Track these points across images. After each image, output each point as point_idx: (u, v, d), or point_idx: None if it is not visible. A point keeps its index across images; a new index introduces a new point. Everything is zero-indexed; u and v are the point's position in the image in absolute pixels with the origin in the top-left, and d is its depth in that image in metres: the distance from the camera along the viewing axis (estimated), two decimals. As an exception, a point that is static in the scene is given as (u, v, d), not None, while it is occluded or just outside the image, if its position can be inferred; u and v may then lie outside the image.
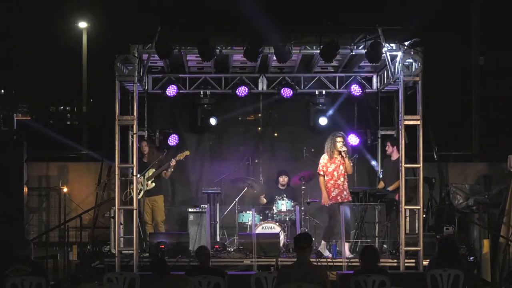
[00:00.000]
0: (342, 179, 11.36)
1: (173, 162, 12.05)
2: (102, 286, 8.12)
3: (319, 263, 10.15)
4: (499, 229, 12.01)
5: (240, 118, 14.11)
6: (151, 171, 12.03)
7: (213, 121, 13.13)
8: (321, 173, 11.40)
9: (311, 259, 8.67)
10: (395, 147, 11.85)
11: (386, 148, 12.18)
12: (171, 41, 10.72)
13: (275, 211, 12.02)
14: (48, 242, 12.52)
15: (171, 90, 12.87)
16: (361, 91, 13.01)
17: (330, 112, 13.19)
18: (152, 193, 12.08)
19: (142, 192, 11.92)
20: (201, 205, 12.30)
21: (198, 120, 13.24)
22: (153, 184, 12.07)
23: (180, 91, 13.04)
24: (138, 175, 11.18)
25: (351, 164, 11.46)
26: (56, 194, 13.68)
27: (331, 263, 10.74)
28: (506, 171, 12.44)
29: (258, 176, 13.16)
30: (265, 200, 12.58)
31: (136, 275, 8.78)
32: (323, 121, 13.10)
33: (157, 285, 7.41)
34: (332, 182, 11.34)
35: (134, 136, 11.14)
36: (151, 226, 12.03)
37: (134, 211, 10.83)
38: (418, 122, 10.77)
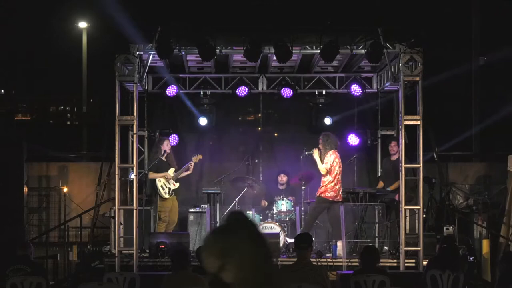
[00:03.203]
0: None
1: (191, 165, 12.16)
2: (102, 286, 8.12)
3: (319, 263, 10.15)
4: (499, 229, 12.00)
5: (240, 118, 14.09)
6: (172, 171, 12.08)
7: (203, 121, 13.08)
8: None
9: (311, 259, 8.66)
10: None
11: (393, 146, 12.14)
12: (171, 41, 10.72)
13: (275, 211, 12.03)
14: (48, 242, 12.52)
15: (171, 90, 12.87)
16: (361, 91, 13.01)
17: (338, 116, 13.22)
18: (175, 193, 12.18)
19: (170, 191, 12.03)
20: (201, 205, 12.31)
21: (195, 120, 13.24)
22: (178, 183, 12.14)
23: (180, 91, 13.04)
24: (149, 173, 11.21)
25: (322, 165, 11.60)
26: (56, 194, 13.67)
27: (331, 263, 10.75)
28: (506, 171, 12.43)
29: (258, 176, 13.16)
30: (266, 203, 12.55)
31: (136, 275, 8.78)
32: (327, 121, 13.11)
33: (172, 278, 7.35)
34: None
35: (134, 136, 11.15)
36: (165, 225, 12.04)
37: (134, 211, 10.83)
38: (418, 122, 10.77)
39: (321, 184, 11.63)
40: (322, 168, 11.51)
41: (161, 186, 11.99)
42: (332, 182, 11.49)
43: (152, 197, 12.15)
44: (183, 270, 7.35)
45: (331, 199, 11.54)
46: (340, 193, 11.60)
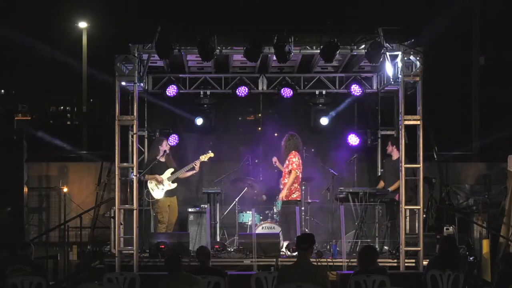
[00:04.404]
0: None
1: (197, 164, 12.09)
2: (102, 286, 8.12)
3: (319, 263, 10.15)
4: (499, 229, 12.00)
5: (240, 118, 14.08)
6: (169, 172, 12.06)
7: (199, 121, 13.10)
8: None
9: (311, 259, 8.66)
10: (394, 146, 11.88)
11: (387, 147, 12.21)
12: (171, 41, 10.72)
13: (275, 211, 12.04)
14: (48, 242, 12.52)
15: (171, 90, 12.86)
16: (361, 91, 13.01)
17: (333, 113, 13.22)
18: (172, 193, 12.13)
19: (163, 192, 11.96)
20: (201, 205, 12.30)
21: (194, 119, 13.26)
22: (175, 184, 12.10)
23: (180, 91, 13.04)
24: (139, 175, 11.21)
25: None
26: (56, 194, 13.68)
27: (331, 263, 10.75)
28: (506, 171, 12.43)
29: (258, 176, 13.15)
30: (265, 197, 12.60)
31: (136, 275, 8.77)
32: (324, 121, 13.11)
33: (167, 281, 7.39)
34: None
35: (134, 136, 11.15)
36: (165, 226, 12.02)
37: (134, 211, 10.83)
38: (418, 122, 10.78)
39: (283, 187, 11.67)
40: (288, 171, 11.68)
41: (152, 188, 11.96)
42: (296, 183, 11.59)
43: (145, 197, 12.08)
44: (177, 272, 7.41)
45: (299, 199, 11.72)
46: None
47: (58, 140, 18.19)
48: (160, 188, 11.99)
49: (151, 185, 11.96)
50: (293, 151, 11.69)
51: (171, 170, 12.12)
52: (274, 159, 12.07)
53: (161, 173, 12.04)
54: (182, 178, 12.33)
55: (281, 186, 11.75)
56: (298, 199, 11.72)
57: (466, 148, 16.86)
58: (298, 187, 11.69)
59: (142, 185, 11.87)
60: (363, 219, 11.39)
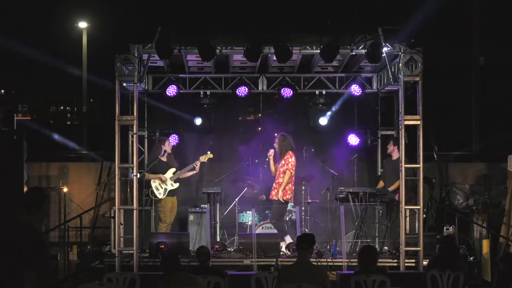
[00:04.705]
0: None
1: (197, 164, 12.10)
2: (102, 286, 8.12)
3: (319, 263, 10.15)
4: (499, 229, 12.00)
5: (240, 118, 14.08)
6: (171, 171, 12.06)
7: (198, 121, 13.12)
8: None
9: (311, 259, 8.66)
10: (396, 146, 11.88)
11: (388, 146, 12.20)
12: (171, 41, 10.73)
13: (275, 211, 12.04)
14: (48, 242, 12.51)
15: (171, 90, 12.87)
16: (361, 91, 13.01)
17: (330, 112, 13.20)
18: (173, 193, 12.15)
19: (166, 192, 11.98)
20: (201, 205, 12.30)
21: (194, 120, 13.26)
22: (177, 183, 12.11)
23: (180, 91, 13.04)
24: (142, 174, 11.21)
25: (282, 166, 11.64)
26: (56, 194, 13.67)
27: (331, 263, 10.75)
28: (506, 171, 12.43)
29: (258, 176, 13.15)
30: (264, 197, 12.59)
31: (136, 275, 8.78)
32: (324, 121, 13.11)
33: (167, 281, 7.38)
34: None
35: (134, 136, 11.15)
36: (166, 225, 12.02)
37: (134, 211, 10.83)
38: (418, 122, 10.78)
39: (275, 186, 11.55)
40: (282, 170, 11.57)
41: (155, 187, 11.98)
42: (290, 183, 11.52)
43: (145, 197, 12.08)
44: (176, 272, 7.38)
45: (291, 201, 11.69)
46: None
47: (59, 138, 18.21)
48: (163, 187, 12.01)
49: (154, 184, 11.97)
50: (290, 151, 11.63)
51: (173, 170, 12.13)
52: (271, 151, 11.83)
53: (164, 172, 12.06)
54: (183, 178, 12.34)
55: (274, 185, 11.68)
56: (291, 201, 11.68)
57: (466, 148, 16.86)
58: (292, 187, 11.59)
59: (142, 185, 11.87)
60: (363, 219, 11.39)
